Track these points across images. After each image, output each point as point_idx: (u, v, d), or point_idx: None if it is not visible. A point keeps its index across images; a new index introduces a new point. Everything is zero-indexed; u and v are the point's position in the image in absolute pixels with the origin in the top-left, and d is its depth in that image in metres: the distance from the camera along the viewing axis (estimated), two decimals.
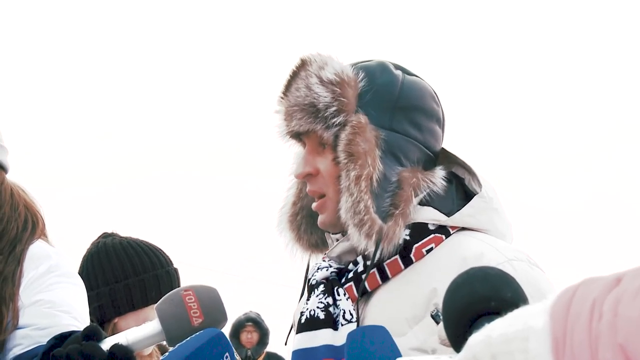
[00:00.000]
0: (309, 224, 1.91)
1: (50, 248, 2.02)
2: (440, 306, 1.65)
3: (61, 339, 1.47)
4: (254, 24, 18.04)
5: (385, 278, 1.75)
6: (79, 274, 2.10)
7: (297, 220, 1.91)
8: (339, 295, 1.77)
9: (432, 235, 1.75)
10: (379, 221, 1.70)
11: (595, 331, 0.77)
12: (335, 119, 1.73)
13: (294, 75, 1.79)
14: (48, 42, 16.81)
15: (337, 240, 1.81)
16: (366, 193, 1.70)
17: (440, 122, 1.84)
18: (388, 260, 1.75)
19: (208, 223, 16.34)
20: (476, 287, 1.03)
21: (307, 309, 1.79)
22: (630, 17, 16.45)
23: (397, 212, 1.71)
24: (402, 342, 1.67)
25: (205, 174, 16.95)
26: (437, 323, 1.62)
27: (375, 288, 1.76)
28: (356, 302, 1.77)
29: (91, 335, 1.42)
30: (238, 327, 7.37)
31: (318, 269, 1.84)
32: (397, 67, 1.83)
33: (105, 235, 2.61)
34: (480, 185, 1.82)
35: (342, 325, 1.73)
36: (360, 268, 1.77)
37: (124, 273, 2.46)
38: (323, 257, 1.87)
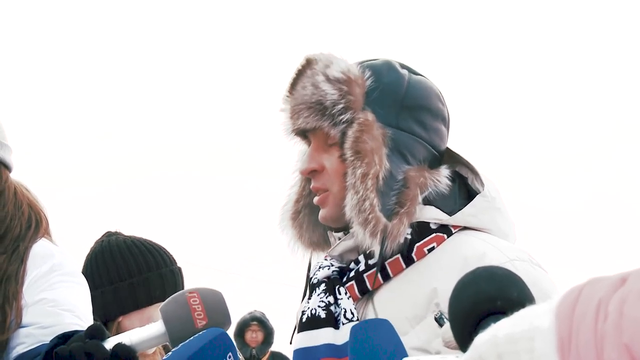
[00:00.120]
0: (310, 222, 1.91)
1: (54, 247, 2.02)
2: (442, 307, 1.65)
3: (64, 339, 1.47)
4: (254, 24, 18.05)
5: (386, 277, 1.76)
6: (83, 272, 2.11)
7: (299, 218, 1.91)
8: (340, 294, 1.77)
9: (433, 235, 1.76)
10: (383, 219, 1.70)
11: (601, 331, 0.77)
12: (342, 117, 1.73)
13: (299, 74, 1.79)
14: (48, 42, 16.81)
15: (339, 239, 1.81)
16: (372, 191, 1.70)
17: (446, 121, 1.85)
18: (389, 260, 1.75)
19: (208, 223, 16.34)
20: (482, 286, 1.04)
21: (309, 307, 1.79)
22: (630, 18, 16.45)
23: (403, 210, 1.72)
24: (404, 341, 1.66)
25: (205, 174, 16.95)
26: (441, 325, 1.61)
27: (377, 287, 1.76)
28: (357, 301, 1.77)
29: (95, 334, 1.42)
30: (243, 326, 7.37)
31: (319, 267, 1.84)
32: (403, 66, 1.84)
33: (109, 234, 2.61)
34: (483, 184, 1.82)
35: (343, 324, 1.73)
36: (362, 267, 1.77)
37: (129, 272, 2.46)
38: (325, 256, 1.87)
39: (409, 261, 1.75)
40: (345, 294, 1.77)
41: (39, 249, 1.98)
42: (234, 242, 15.99)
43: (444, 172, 1.79)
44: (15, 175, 2.09)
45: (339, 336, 1.72)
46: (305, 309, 1.80)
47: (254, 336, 7.37)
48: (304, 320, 1.79)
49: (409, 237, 1.74)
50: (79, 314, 1.90)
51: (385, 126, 1.75)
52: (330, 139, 1.77)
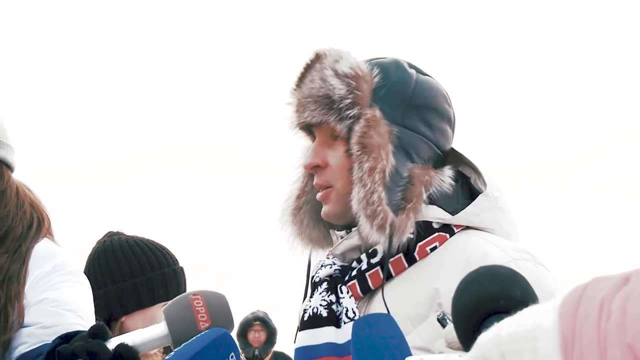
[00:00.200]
0: (312, 218, 1.91)
1: (56, 247, 2.02)
2: (445, 307, 1.65)
3: (67, 339, 1.47)
4: (254, 24, 18.04)
5: (389, 276, 1.75)
6: (85, 272, 2.11)
7: (300, 214, 1.91)
8: (342, 293, 1.77)
9: (436, 234, 1.76)
10: (390, 213, 1.70)
11: (604, 330, 0.77)
12: (349, 112, 1.73)
13: (308, 68, 1.79)
14: (48, 42, 16.81)
15: (342, 237, 1.81)
16: (380, 185, 1.70)
17: (451, 122, 1.85)
18: (392, 259, 1.75)
19: (208, 223, 16.33)
20: (486, 285, 1.04)
21: (310, 306, 1.79)
22: (630, 18, 16.45)
23: (410, 206, 1.72)
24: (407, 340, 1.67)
25: (205, 174, 16.95)
26: (443, 326, 1.61)
27: (379, 286, 1.76)
28: (359, 300, 1.77)
29: (97, 334, 1.42)
30: (246, 326, 7.37)
31: (321, 266, 1.84)
32: (411, 65, 1.85)
33: (111, 234, 2.61)
34: (485, 184, 1.82)
35: (344, 323, 1.73)
36: (364, 266, 1.77)
37: (132, 272, 2.46)
38: (327, 255, 1.87)
39: (411, 260, 1.75)
40: (347, 292, 1.76)
41: (41, 249, 1.98)
42: (234, 242, 16.00)
43: (448, 172, 1.79)
44: (15, 175, 2.09)
45: (341, 335, 1.72)
46: (307, 307, 1.80)
47: (256, 336, 7.37)
48: (305, 318, 1.79)
49: (412, 236, 1.74)
50: (81, 313, 1.90)
51: (392, 124, 1.75)
52: (336, 133, 1.77)
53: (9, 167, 2.06)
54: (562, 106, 17.17)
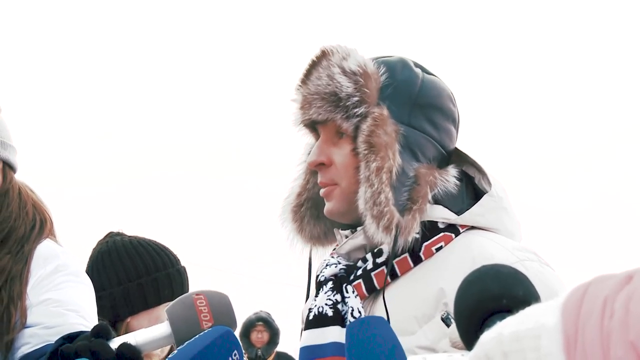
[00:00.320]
0: (313, 216, 1.90)
1: (58, 247, 2.03)
2: (450, 307, 1.64)
3: (70, 339, 1.47)
4: (254, 24, 18.04)
5: (394, 276, 1.75)
6: (88, 272, 2.11)
7: (301, 211, 1.91)
8: (347, 292, 1.77)
9: (441, 234, 1.75)
10: (397, 214, 1.70)
11: (607, 329, 0.77)
12: (356, 110, 1.73)
13: (314, 65, 1.78)
14: (48, 42, 16.81)
15: (346, 237, 1.81)
16: (387, 185, 1.69)
17: (456, 122, 1.85)
18: (397, 259, 1.75)
19: (208, 223, 16.33)
20: (488, 284, 1.04)
21: (316, 305, 1.79)
22: (631, 18, 16.45)
23: (415, 207, 1.72)
24: (412, 340, 1.67)
25: (205, 174, 16.95)
26: (448, 326, 1.61)
27: (385, 286, 1.76)
28: (364, 299, 1.77)
29: (100, 333, 1.42)
30: (248, 327, 7.37)
31: (326, 265, 1.83)
32: (417, 65, 1.84)
33: (113, 235, 2.61)
34: (490, 184, 1.82)
35: (350, 322, 1.73)
36: (370, 265, 1.77)
37: (137, 272, 2.47)
38: (331, 254, 1.87)
39: (416, 260, 1.75)
40: (353, 292, 1.76)
41: (43, 250, 1.98)
42: (235, 242, 16.00)
43: (452, 171, 1.79)
44: (15, 175, 2.10)
45: None
46: (312, 306, 1.80)
47: (259, 336, 7.37)
48: (310, 318, 1.79)
49: (417, 236, 1.73)
50: (83, 314, 1.91)
51: (398, 123, 1.75)
52: (342, 131, 1.77)
53: (12, 168, 2.06)
54: (562, 106, 17.17)
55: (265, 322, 7.42)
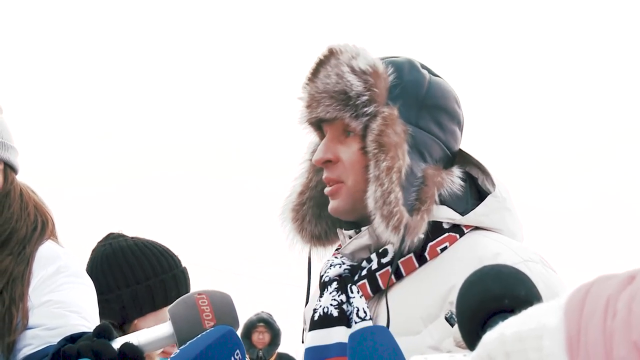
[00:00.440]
0: (314, 215, 1.90)
1: (60, 249, 2.03)
2: (454, 308, 1.64)
3: (72, 340, 1.47)
4: (254, 24, 18.04)
5: (399, 276, 1.76)
6: (90, 274, 2.11)
7: (302, 210, 1.90)
8: (352, 292, 1.77)
9: (446, 234, 1.76)
10: (406, 214, 1.70)
11: (610, 329, 0.77)
12: (366, 109, 1.73)
13: (321, 64, 1.78)
14: (48, 42, 16.80)
15: (350, 237, 1.81)
16: (397, 185, 1.69)
17: (461, 125, 1.86)
18: (402, 259, 1.75)
19: (208, 223, 16.33)
20: (489, 285, 1.04)
21: (320, 306, 1.79)
22: (630, 18, 16.44)
23: (423, 207, 1.72)
24: (417, 340, 1.68)
25: (205, 174, 16.94)
26: (452, 325, 1.62)
27: (390, 286, 1.76)
28: (369, 299, 1.77)
29: (102, 333, 1.42)
30: (250, 328, 7.38)
31: (330, 265, 1.83)
32: (423, 66, 1.85)
33: (114, 236, 2.61)
34: (493, 185, 1.83)
35: (355, 323, 1.73)
36: (375, 265, 1.77)
37: (145, 274, 2.48)
38: (334, 254, 1.87)
39: (421, 260, 1.75)
40: (358, 292, 1.76)
41: (45, 251, 1.98)
42: (234, 242, 15.99)
43: (457, 172, 1.80)
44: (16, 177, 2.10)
45: None
46: (317, 307, 1.80)
47: (260, 337, 7.37)
48: (315, 318, 1.78)
49: (422, 236, 1.74)
50: (85, 315, 1.90)
51: (406, 123, 1.75)
52: (349, 130, 1.77)
53: (13, 169, 2.06)
54: (563, 107, 17.17)
55: (266, 323, 7.42)
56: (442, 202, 1.77)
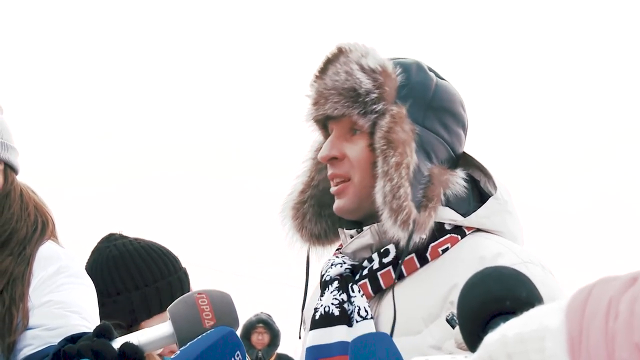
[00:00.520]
0: (314, 214, 1.91)
1: (60, 249, 2.03)
2: (455, 308, 1.65)
3: (72, 340, 1.47)
4: (254, 24, 18.04)
5: (400, 276, 1.76)
6: (92, 275, 2.10)
7: (303, 208, 1.91)
8: (353, 292, 1.77)
9: (448, 235, 1.77)
10: (414, 210, 1.71)
11: (612, 330, 0.77)
12: (375, 106, 1.74)
13: (330, 62, 1.79)
14: (48, 42, 16.80)
15: (351, 236, 1.82)
16: (406, 180, 1.70)
17: (465, 128, 1.87)
18: (404, 259, 1.75)
19: (208, 223, 16.32)
20: (491, 286, 1.04)
21: (322, 305, 1.79)
22: (630, 19, 16.45)
23: (431, 205, 1.73)
24: (418, 340, 1.68)
25: (205, 174, 16.94)
26: (453, 327, 1.62)
27: (390, 286, 1.76)
28: (370, 299, 1.77)
29: (103, 333, 1.42)
30: (249, 328, 7.38)
31: (332, 265, 1.84)
32: (430, 69, 1.87)
33: (115, 237, 2.60)
34: (495, 187, 1.84)
35: (357, 322, 1.74)
36: (376, 265, 1.78)
37: (153, 276, 2.49)
38: (335, 253, 1.88)
39: (423, 261, 1.76)
40: (359, 291, 1.77)
41: (45, 251, 1.98)
42: (234, 243, 15.99)
43: (461, 174, 1.81)
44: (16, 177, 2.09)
45: (353, 334, 1.72)
46: (319, 306, 1.80)
47: (260, 338, 7.37)
48: (317, 317, 1.79)
49: (424, 236, 1.74)
50: (85, 315, 1.91)
51: (413, 123, 1.76)
52: (356, 127, 1.77)
53: (13, 170, 2.06)
54: (563, 108, 17.17)
55: (265, 324, 7.42)
56: (446, 203, 1.77)
